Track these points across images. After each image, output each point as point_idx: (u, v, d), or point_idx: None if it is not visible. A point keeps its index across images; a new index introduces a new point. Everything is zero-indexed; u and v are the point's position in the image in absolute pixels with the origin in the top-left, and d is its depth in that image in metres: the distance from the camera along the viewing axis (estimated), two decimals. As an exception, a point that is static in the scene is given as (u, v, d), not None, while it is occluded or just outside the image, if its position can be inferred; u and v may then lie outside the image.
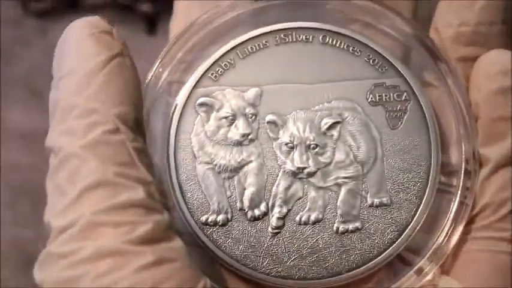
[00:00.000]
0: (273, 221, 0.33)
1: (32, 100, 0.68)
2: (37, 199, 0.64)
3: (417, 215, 0.33)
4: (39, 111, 0.67)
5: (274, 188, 0.33)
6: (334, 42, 0.34)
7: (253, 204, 0.33)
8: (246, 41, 0.34)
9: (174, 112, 0.34)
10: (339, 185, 0.33)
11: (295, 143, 0.33)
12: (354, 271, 0.33)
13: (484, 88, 0.33)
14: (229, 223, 0.33)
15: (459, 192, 0.34)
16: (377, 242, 0.33)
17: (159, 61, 0.34)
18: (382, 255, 0.33)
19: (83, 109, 0.29)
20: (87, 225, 0.27)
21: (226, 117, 0.33)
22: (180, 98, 0.34)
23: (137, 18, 0.69)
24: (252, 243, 0.33)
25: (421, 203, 0.33)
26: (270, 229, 0.33)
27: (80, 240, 0.27)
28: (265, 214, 0.33)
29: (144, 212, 0.28)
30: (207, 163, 0.33)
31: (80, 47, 0.30)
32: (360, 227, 0.33)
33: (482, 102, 0.33)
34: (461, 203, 0.33)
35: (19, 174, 0.67)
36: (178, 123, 0.34)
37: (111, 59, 0.30)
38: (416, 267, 0.33)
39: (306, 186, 0.33)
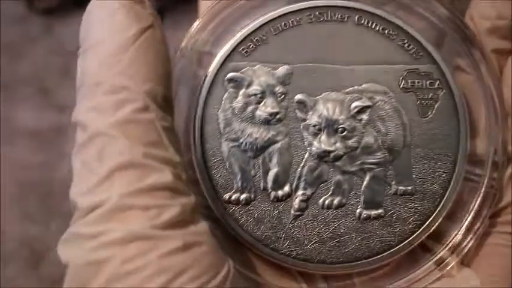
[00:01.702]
0: (296, 203, 0.33)
1: (39, 97, 0.68)
2: (45, 196, 0.63)
3: (441, 206, 0.33)
4: (46, 109, 0.66)
5: (299, 169, 0.33)
6: (369, 23, 0.33)
7: (277, 185, 0.33)
8: (279, 17, 0.33)
9: (202, 85, 0.33)
10: (365, 171, 0.33)
11: (323, 125, 0.33)
12: (374, 258, 0.33)
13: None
14: (252, 203, 0.33)
15: (485, 182, 0.33)
16: (398, 230, 0.33)
17: (191, 31, 0.33)
18: (402, 244, 0.33)
19: (113, 85, 0.28)
20: (115, 207, 0.27)
21: (255, 95, 0.33)
22: (210, 71, 0.33)
23: None
24: (274, 224, 0.32)
25: (445, 194, 0.33)
26: (292, 211, 0.33)
27: (108, 222, 0.27)
28: (289, 196, 0.33)
29: (171, 195, 0.28)
30: (233, 140, 0.33)
31: (110, 17, 0.29)
32: (382, 214, 0.33)
33: None
34: (486, 194, 0.33)
35: (27, 172, 0.66)
36: (206, 97, 0.33)
37: (142, 32, 0.29)
38: (437, 257, 0.33)
39: (331, 169, 0.33)
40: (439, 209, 0.33)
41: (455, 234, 0.33)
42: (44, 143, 0.64)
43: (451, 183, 0.33)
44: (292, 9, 0.33)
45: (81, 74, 0.29)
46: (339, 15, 0.33)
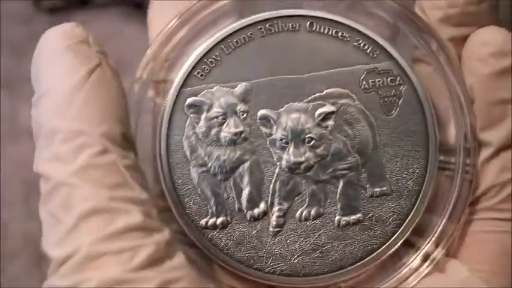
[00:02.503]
0: (274, 219, 0.32)
1: None
2: None
3: (418, 202, 0.33)
4: None
5: (271, 185, 0.33)
6: (321, 28, 0.33)
7: (252, 204, 0.33)
8: (230, 34, 0.33)
9: (163, 115, 0.33)
10: (338, 177, 0.33)
11: (290, 137, 0.32)
12: (358, 263, 0.32)
13: (478, 71, 0.32)
14: (229, 225, 0.32)
15: (460, 170, 0.33)
16: (379, 233, 0.32)
17: (143, 61, 0.33)
18: (385, 245, 0.32)
19: (67, 132, 0.28)
20: (87, 256, 0.27)
21: (216, 117, 0.33)
22: (168, 100, 0.33)
23: (146, 16, 0.68)
24: (254, 244, 0.32)
25: (421, 189, 0.33)
26: (271, 228, 0.32)
27: (82, 271, 0.27)
28: (265, 213, 0.32)
29: (143, 235, 0.27)
30: (201, 166, 0.33)
31: (57, 62, 0.29)
32: (361, 218, 0.32)
33: (477, 85, 0.32)
34: (462, 182, 0.33)
35: (31, 170, 0.67)
36: (168, 126, 0.33)
37: (91, 72, 0.29)
38: (422, 253, 0.33)
39: (304, 181, 0.33)
40: (417, 205, 0.33)
41: (438, 227, 0.33)
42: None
43: (426, 177, 0.33)
44: (242, 25, 0.33)
45: (36, 124, 0.29)
46: (290, 25, 0.33)
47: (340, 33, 0.33)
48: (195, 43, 0.33)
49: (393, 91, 0.33)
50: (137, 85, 0.33)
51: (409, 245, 0.33)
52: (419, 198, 0.33)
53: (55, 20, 0.71)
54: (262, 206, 0.32)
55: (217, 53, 0.33)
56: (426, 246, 0.33)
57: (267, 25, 0.33)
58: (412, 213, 0.32)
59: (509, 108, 0.32)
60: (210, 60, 0.33)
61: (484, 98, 0.32)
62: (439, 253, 0.33)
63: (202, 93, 0.33)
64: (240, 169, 0.33)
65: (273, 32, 0.33)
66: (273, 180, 0.33)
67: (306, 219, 0.32)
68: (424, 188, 0.33)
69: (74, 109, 0.28)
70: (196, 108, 0.33)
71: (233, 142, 0.33)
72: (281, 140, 0.32)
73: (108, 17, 0.67)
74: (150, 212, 0.28)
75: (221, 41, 0.33)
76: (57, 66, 0.29)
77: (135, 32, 0.67)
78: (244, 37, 0.33)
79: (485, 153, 0.33)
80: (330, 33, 0.33)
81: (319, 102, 0.33)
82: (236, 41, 0.33)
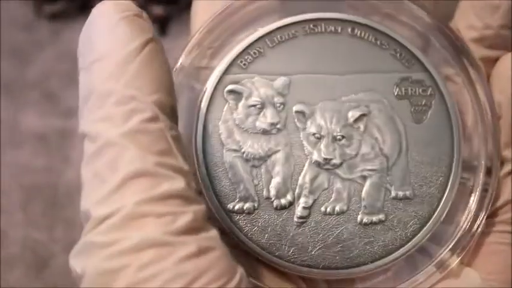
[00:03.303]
0: (299, 210, 0.33)
1: (45, 102, 0.68)
2: (50, 201, 0.63)
3: (439, 209, 0.34)
4: (53, 114, 0.66)
5: (300, 178, 0.34)
6: (362, 34, 0.34)
7: (280, 194, 0.33)
8: (275, 29, 0.34)
9: (202, 98, 0.34)
10: (364, 177, 0.34)
11: (322, 133, 0.33)
12: (377, 262, 0.33)
13: (507, 89, 0.34)
14: (256, 211, 0.33)
15: (480, 186, 0.34)
16: (399, 234, 0.33)
17: (187, 47, 0.34)
18: (404, 247, 0.33)
19: (121, 96, 0.29)
20: (129, 216, 0.27)
21: (254, 106, 0.34)
22: (209, 85, 0.34)
23: None
24: (278, 232, 0.33)
25: (442, 196, 0.34)
26: (295, 218, 0.33)
27: (123, 230, 0.27)
28: (291, 203, 0.33)
29: (183, 203, 0.28)
30: (235, 151, 0.34)
31: (113, 31, 0.30)
32: (383, 219, 0.34)
33: (505, 102, 0.34)
34: (482, 197, 0.34)
35: (32, 176, 0.66)
36: (206, 109, 0.34)
37: (146, 43, 0.30)
38: (437, 259, 0.34)
39: (331, 177, 0.34)
40: (437, 211, 0.34)
41: (454, 236, 0.34)
42: (49, 148, 0.64)
43: (448, 186, 0.34)
44: (287, 22, 0.34)
45: (87, 87, 0.30)
46: (333, 27, 0.35)
47: (379, 41, 0.35)
48: (238, 35, 0.34)
49: (424, 101, 0.34)
50: (179, 70, 0.34)
51: (426, 251, 0.34)
52: (440, 205, 0.34)
53: (56, 26, 0.71)
54: (289, 196, 0.33)
55: (261, 46, 0.34)
56: (442, 254, 0.34)
57: (311, 25, 0.34)
58: (432, 218, 0.34)
59: None
60: (253, 51, 0.34)
61: (510, 115, 0.34)
62: (453, 261, 0.34)
63: (243, 81, 0.34)
64: (272, 158, 0.34)
65: (316, 32, 0.34)
66: (302, 173, 0.34)
67: (330, 214, 0.33)
68: (445, 196, 0.34)
69: (129, 75, 0.29)
70: (236, 95, 0.34)
71: (268, 132, 0.34)
72: (313, 135, 0.33)
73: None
74: (190, 183, 0.29)
75: (266, 34, 0.34)
76: (112, 34, 0.30)
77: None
78: (288, 33, 0.34)
79: (506, 169, 0.34)
80: (370, 39, 0.34)
81: (353, 103, 0.34)
82: (280, 36, 0.34)
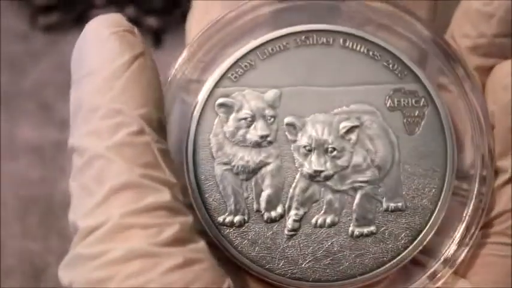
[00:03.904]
0: (289, 223, 0.33)
1: (41, 113, 0.68)
2: (46, 212, 0.63)
3: (431, 221, 0.34)
4: (48, 125, 0.66)
5: (291, 190, 0.33)
6: (354, 45, 0.34)
7: (270, 206, 0.33)
8: (266, 42, 0.34)
9: (193, 112, 0.34)
10: (356, 189, 0.34)
11: (313, 146, 0.33)
12: (368, 274, 0.33)
13: (501, 99, 0.34)
14: (246, 224, 0.33)
15: (474, 196, 0.34)
16: (391, 247, 0.33)
17: (178, 60, 0.34)
18: (395, 259, 0.33)
19: (108, 110, 0.29)
20: (115, 227, 0.28)
21: (245, 119, 0.34)
22: (200, 98, 0.34)
23: (143, 32, 0.69)
24: (268, 245, 0.33)
25: (435, 208, 0.34)
26: (286, 231, 0.33)
27: (109, 242, 0.27)
28: (282, 216, 0.33)
29: (169, 214, 0.28)
30: (226, 164, 0.33)
31: (103, 46, 0.30)
32: (374, 231, 0.33)
33: (499, 112, 0.34)
34: (476, 208, 0.34)
35: (28, 187, 0.67)
36: (197, 123, 0.34)
37: (134, 59, 0.30)
38: (430, 271, 0.34)
39: (322, 189, 0.34)
40: (430, 223, 0.33)
41: (447, 248, 0.34)
42: (45, 159, 0.64)
43: (441, 198, 0.34)
44: (278, 35, 0.34)
45: (76, 102, 0.30)
46: (325, 39, 0.34)
47: (371, 52, 0.34)
48: (230, 48, 0.34)
49: (417, 112, 0.34)
50: (171, 83, 0.34)
51: (419, 263, 0.34)
52: (432, 217, 0.33)
53: (52, 37, 0.71)
54: (279, 209, 0.33)
55: (252, 58, 0.34)
56: (435, 266, 0.34)
57: (303, 37, 0.34)
58: (424, 231, 0.33)
59: None
60: (244, 64, 0.34)
61: (504, 124, 0.34)
62: (447, 272, 0.33)
63: (233, 94, 0.34)
64: (263, 171, 0.34)
65: (307, 44, 0.34)
66: (293, 185, 0.33)
67: (321, 226, 0.33)
68: (438, 207, 0.34)
69: (116, 90, 0.29)
70: (227, 108, 0.34)
71: (258, 144, 0.34)
72: (304, 147, 0.33)
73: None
74: (177, 195, 0.29)
75: (257, 47, 0.34)
76: (102, 50, 0.30)
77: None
78: (279, 46, 0.34)
79: (501, 179, 0.34)
80: (361, 50, 0.34)
81: (345, 115, 0.34)
82: (272, 49, 0.34)
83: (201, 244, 0.29)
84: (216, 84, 0.34)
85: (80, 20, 0.70)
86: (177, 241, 0.28)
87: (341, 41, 0.34)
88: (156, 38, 0.67)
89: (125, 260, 0.27)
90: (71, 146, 0.30)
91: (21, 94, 0.68)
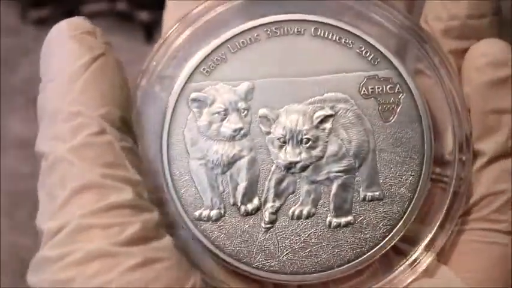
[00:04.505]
0: (266, 215, 0.33)
1: (31, 108, 0.69)
2: (35, 207, 0.64)
3: (410, 209, 0.33)
4: (37, 119, 0.67)
5: (266, 182, 0.33)
6: (325, 34, 0.34)
7: (246, 199, 0.33)
8: (237, 34, 0.34)
9: (166, 108, 0.34)
10: (332, 179, 0.33)
11: (287, 137, 0.33)
12: (346, 265, 0.33)
13: (475, 81, 0.33)
14: (223, 218, 0.33)
15: (453, 182, 0.34)
16: (369, 236, 0.33)
17: (151, 56, 0.34)
18: (374, 249, 0.33)
19: (67, 113, 0.29)
20: (76, 229, 0.28)
21: (218, 112, 0.33)
22: (173, 93, 0.34)
23: (135, 27, 0.69)
24: (245, 238, 0.33)
25: (414, 196, 0.33)
26: (262, 224, 0.33)
27: (70, 243, 0.28)
28: (258, 209, 0.33)
29: (132, 213, 0.29)
30: (200, 158, 0.33)
31: (62, 49, 0.31)
32: (352, 221, 0.33)
33: (473, 94, 0.33)
34: (455, 193, 0.33)
35: (17, 182, 0.67)
36: (171, 118, 0.33)
37: (93, 60, 0.30)
38: (411, 259, 0.33)
39: (298, 180, 0.33)
40: (408, 211, 0.33)
41: (428, 235, 0.33)
42: (34, 154, 0.65)
43: (419, 186, 0.33)
44: (248, 27, 0.34)
45: (41, 107, 0.31)
46: (295, 29, 0.34)
47: (343, 40, 0.34)
48: (202, 42, 0.34)
49: (392, 98, 0.34)
50: (143, 79, 0.34)
51: (400, 252, 0.34)
52: (410, 205, 0.33)
53: (42, 31, 0.72)
54: (255, 201, 0.33)
55: (223, 52, 0.34)
56: (416, 253, 0.33)
57: (273, 28, 0.34)
58: (403, 219, 0.33)
59: (505, 118, 0.33)
60: (216, 58, 0.34)
61: (479, 106, 0.33)
62: (427, 259, 0.33)
63: (206, 88, 0.34)
64: (238, 164, 0.33)
65: (278, 34, 0.34)
66: (269, 178, 0.33)
67: (298, 218, 0.33)
68: (416, 195, 0.33)
69: (75, 93, 0.30)
70: (200, 102, 0.33)
71: (232, 138, 0.33)
72: (279, 139, 0.33)
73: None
74: (141, 193, 0.30)
75: (227, 40, 0.34)
76: (62, 54, 0.31)
77: (121, 43, 0.68)
78: (250, 38, 0.34)
79: (478, 162, 0.33)
80: (333, 38, 0.34)
81: (318, 105, 0.33)
82: (242, 41, 0.34)
83: (165, 241, 0.29)
84: (188, 79, 0.34)
85: (71, 14, 0.71)
86: (139, 239, 0.28)
87: (312, 30, 0.34)
88: (148, 32, 0.67)
89: (85, 261, 0.27)
90: (37, 151, 0.30)
91: (10, 88, 0.68)
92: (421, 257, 0.33)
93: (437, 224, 0.33)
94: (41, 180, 0.30)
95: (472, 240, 0.33)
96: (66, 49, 0.30)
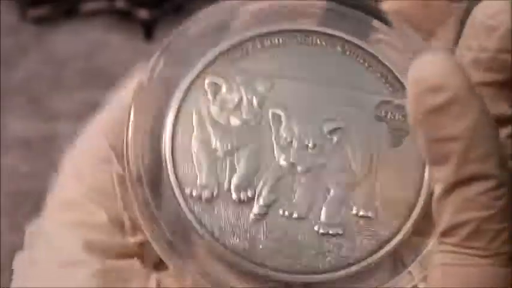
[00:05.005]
0: (257, 207, 0.33)
1: (30, 107, 0.68)
2: (35, 206, 0.62)
3: (399, 234, 0.33)
4: (37, 118, 0.66)
5: (264, 176, 0.33)
6: (352, 53, 0.35)
7: (241, 187, 0.33)
8: (268, 33, 0.35)
9: (180, 85, 0.34)
10: (329, 189, 0.33)
11: (294, 139, 0.33)
12: (328, 274, 0.33)
13: (414, 108, 0.30)
14: (214, 201, 0.33)
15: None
16: (355, 252, 0.33)
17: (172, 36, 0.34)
18: (356, 265, 0.33)
19: None
20: None
21: (232, 101, 0.34)
22: (191, 73, 0.34)
23: (134, 25, 0.70)
24: (233, 224, 0.33)
25: (405, 222, 0.33)
26: (252, 215, 0.33)
27: None
28: (251, 199, 0.33)
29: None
30: (204, 140, 0.33)
31: None
32: (340, 232, 0.33)
33: (415, 123, 0.30)
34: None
35: (17, 181, 0.66)
36: (182, 97, 0.34)
37: None
38: (394, 279, 0.33)
39: (295, 183, 0.33)
40: (397, 236, 0.33)
41: (413, 258, 0.34)
42: (34, 153, 0.64)
43: (413, 213, 0.33)
44: (281, 29, 0.35)
45: None
46: (324, 42, 0.35)
47: (367, 62, 0.35)
48: (229, 32, 0.35)
49: (402, 126, 0.34)
50: (158, 59, 0.34)
51: (383, 270, 0.33)
52: (401, 231, 0.33)
53: (41, 30, 0.71)
54: (249, 192, 0.33)
55: (250, 45, 0.34)
56: (400, 274, 0.33)
57: (304, 35, 0.35)
58: (390, 242, 0.33)
59: (452, 145, 0.30)
60: (242, 49, 0.34)
61: (424, 135, 0.30)
62: (409, 281, 0.33)
63: (225, 75, 0.34)
64: (240, 153, 0.33)
65: (307, 42, 0.35)
66: (267, 172, 0.33)
67: (288, 218, 0.33)
68: (408, 222, 0.33)
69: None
70: (216, 87, 0.34)
71: (241, 127, 0.34)
72: (285, 139, 0.33)
73: (94, 27, 0.68)
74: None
75: (258, 35, 0.35)
76: None
77: (121, 41, 0.68)
78: (279, 39, 0.35)
79: (437, 190, 0.31)
80: (358, 58, 0.35)
81: (331, 115, 0.34)
82: (271, 40, 0.35)
83: None
84: (211, 62, 0.34)
85: (69, 13, 0.70)
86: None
87: (339, 45, 0.35)
88: (147, 30, 0.67)
89: None
90: None
91: (9, 87, 0.67)
92: (403, 277, 0.33)
93: (424, 247, 0.33)
94: None
95: (444, 263, 0.31)
96: None
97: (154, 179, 0.33)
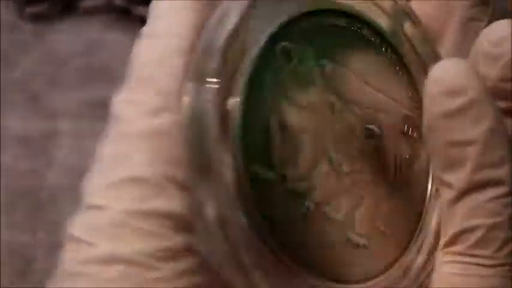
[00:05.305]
0: (308, 201, 0.31)
1: (29, 104, 0.68)
2: (34, 205, 0.62)
3: (394, 266, 0.33)
4: (36, 116, 0.66)
5: (317, 169, 0.31)
6: (394, 60, 0.35)
7: (296, 178, 0.30)
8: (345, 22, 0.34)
9: (251, 49, 0.30)
10: (363, 197, 0.33)
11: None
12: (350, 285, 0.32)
13: (429, 111, 0.32)
14: (274, 183, 0.30)
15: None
16: (374, 266, 0.33)
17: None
18: (373, 280, 0.33)
19: (160, 88, 0.28)
20: (110, 221, 0.27)
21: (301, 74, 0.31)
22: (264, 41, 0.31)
23: (133, 22, 0.70)
24: (281, 212, 0.30)
25: (399, 257, 0.34)
26: (301, 207, 0.31)
27: (98, 234, 0.27)
28: (304, 195, 0.31)
29: (173, 226, 0.27)
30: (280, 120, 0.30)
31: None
32: (367, 245, 0.32)
33: (430, 126, 0.32)
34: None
35: (15, 179, 0.66)
36: (256, 62, 0.30)
37: None
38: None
39: (340, 182, 0.32)
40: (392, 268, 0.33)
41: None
42: (33, 151, 0.64)
43: (407, 250, 0.34)
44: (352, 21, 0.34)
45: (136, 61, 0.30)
46: (374, 38, 0.34)
47: (400, 72, 0.35)
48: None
49: (416, 147, 0.34)
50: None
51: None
52: (395, 265, 0.33)
53: (40, 27, 0.71)
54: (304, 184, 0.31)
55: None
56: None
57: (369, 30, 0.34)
58: (403, 256, 0.33)
59: (467, 150, 0.31)
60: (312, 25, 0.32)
61: (439, 138, 0.31)
62: None
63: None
64: (302, 137, 0.31)
65: (370, 39, 0.34)
66: (320, 165, 0.31)
67: (328, 219, 0.31)
68: (403, 257, 0.33)
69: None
70: (288, 56, 0.31)
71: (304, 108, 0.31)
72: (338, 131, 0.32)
73: (93, 24, 0.68)
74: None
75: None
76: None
77: (120, 39, 0.68)
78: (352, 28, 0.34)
79: (448, 195, 0.32)
80: (397, 68, 0.35)
81: (370, 119, 0.33)
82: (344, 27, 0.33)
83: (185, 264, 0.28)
84: (286, 29, 0.31)
85: (68, 10, 0.70)
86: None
87: (384, 47, 0.34)
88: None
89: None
90: (112, 104, 0.29)
91: (8, 85, 0.67)
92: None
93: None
94: (111, 140, 0.28)
95: (450, 273, 0.32)
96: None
97: None
